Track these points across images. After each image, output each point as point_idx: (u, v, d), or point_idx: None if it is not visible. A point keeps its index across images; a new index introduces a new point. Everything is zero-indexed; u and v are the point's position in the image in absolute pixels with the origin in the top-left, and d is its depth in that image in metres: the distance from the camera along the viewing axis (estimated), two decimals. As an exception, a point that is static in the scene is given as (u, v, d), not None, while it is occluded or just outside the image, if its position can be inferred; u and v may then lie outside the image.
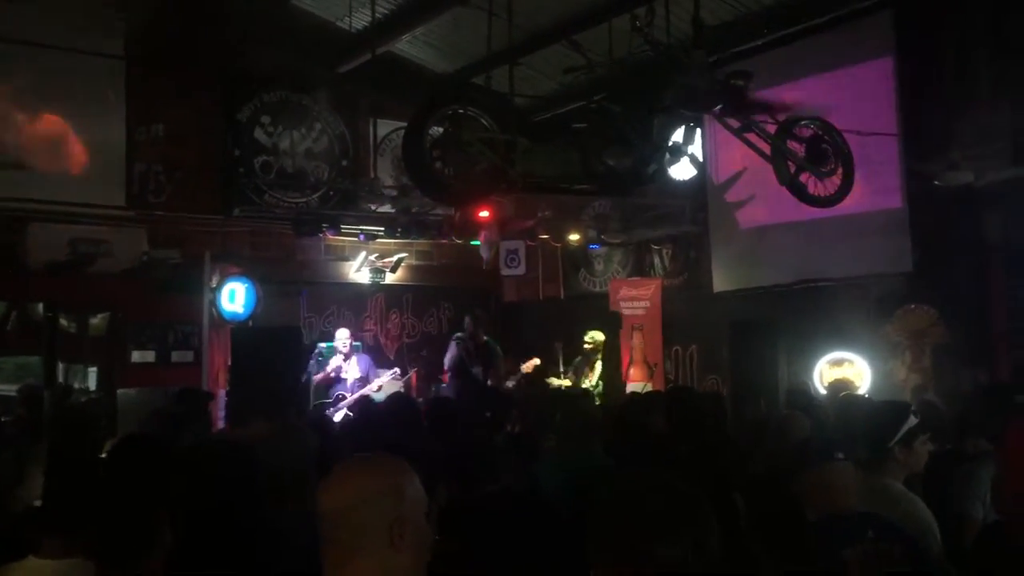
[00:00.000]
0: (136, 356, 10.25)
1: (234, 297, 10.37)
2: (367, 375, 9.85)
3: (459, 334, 10.45)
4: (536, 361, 10.61)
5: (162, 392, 8.87)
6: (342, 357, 9.91)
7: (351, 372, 9.72)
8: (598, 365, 10.32)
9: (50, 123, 9.85)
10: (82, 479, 2.76)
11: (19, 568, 2.63)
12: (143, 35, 9.99)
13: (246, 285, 10.42)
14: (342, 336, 10.13)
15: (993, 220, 8.00)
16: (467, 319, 10.68)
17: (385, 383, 10.02)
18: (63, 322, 10.12)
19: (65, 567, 2.58)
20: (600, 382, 10.20)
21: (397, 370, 10.52)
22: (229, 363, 10.21)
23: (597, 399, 8.71)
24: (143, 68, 10.08)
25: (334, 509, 1.93)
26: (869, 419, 3.86)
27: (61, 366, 9.96)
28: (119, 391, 9.67)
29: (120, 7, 9.89)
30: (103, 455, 3.84)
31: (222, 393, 9.36)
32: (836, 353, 8.72)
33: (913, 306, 8.44)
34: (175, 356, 10.39)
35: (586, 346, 10.50)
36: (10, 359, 9.94)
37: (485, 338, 10.58)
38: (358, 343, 10.76)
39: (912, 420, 3.62)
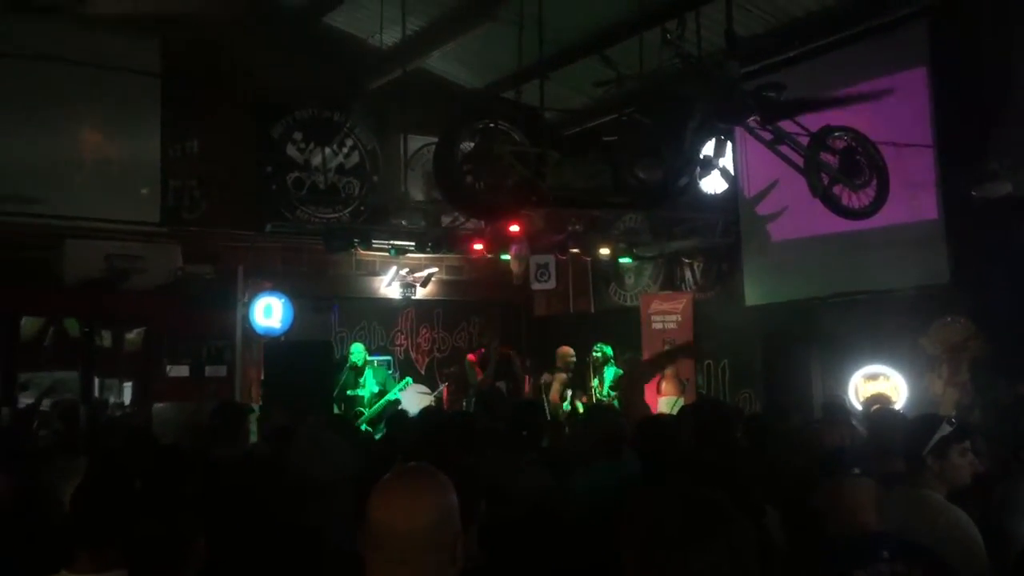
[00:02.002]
0: (171, 370, 10.35)
1: (270, 312, 10.44)
2: (384, 388, 9.83)
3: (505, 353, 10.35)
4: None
5: (196, 406, 8.96)
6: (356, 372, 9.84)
7: (367, 386, 9.71)
8: (607, 375, 10.46)
9: (86, 140, 10.01)
10: (116, 492, 2.77)
11: None
12: (177, 53, 10.12)
13: (282, 300, 10.48)
14: (357, 351, 10.10)
15: (1030, 231, 7.87)
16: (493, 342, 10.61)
17: (400, 395, 10.02)
18: (99, 337, 10.24)
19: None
20: (610, 392, 10.24)
21: (409, 380, 10.50)
22: (262, 377, 10.29)
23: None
24: (177, 86, 10.20)
25: (411, 529, 1.90)
26: (903, 430, 3.79)
27: (97, 381, 10.08)
28: (154, 405, 9.77)
29: (155, 26, 10.03)
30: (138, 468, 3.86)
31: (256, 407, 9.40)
32: (871, 367, 8.60)
33: (950, 319, 8.30)
34: (208, 370, 10.47)
35: (595, 355, 10.59)
36: (48, 374, 10.06)
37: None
38: (372, 357, 10.73)
39: (945, 429, 3.53)
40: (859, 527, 2.95)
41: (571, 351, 10.74)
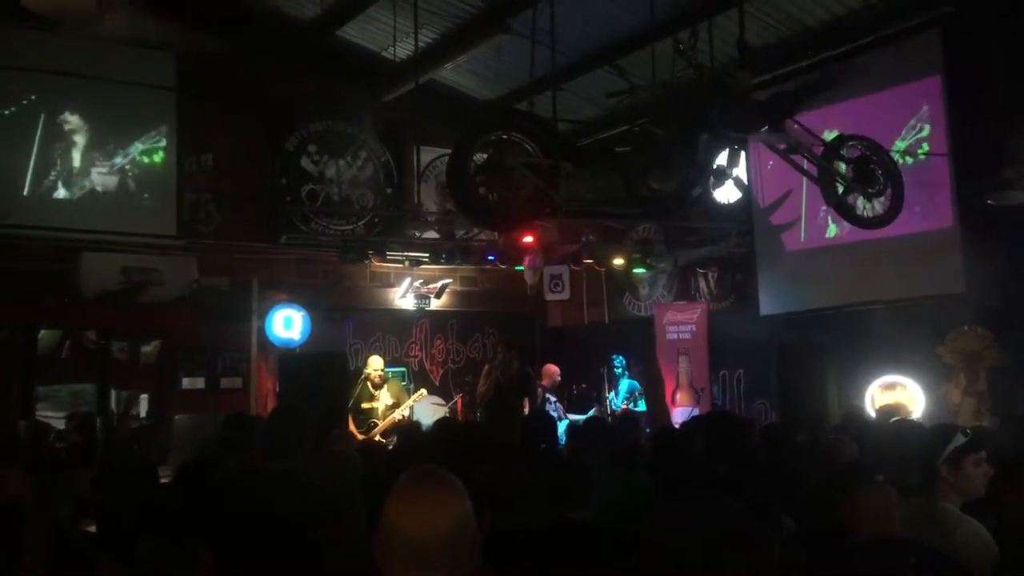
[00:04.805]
0: (186, 382, 10.40)
1: (290, 324, 10.44)
2: (397, 401, 9.76)
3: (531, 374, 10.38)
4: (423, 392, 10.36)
5: (211, 418, 8.98)
6: (373, 385, 9.72)
7: (382, 399, 9.65)
8: (621, 387, 10.72)
9: (102, 154, 10.08)
10: (136, 505, 2.77)
11: None
12: (192, 67, 10.18)
13: (302, 312, 10.49)
14: (375, 364, 9.98)
15: (1048, 238, 7.82)
16: (507, 350, 10.54)
17: (414, 406, 9.95)
18: (115, 350, 10.29)
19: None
20: (624, 402, 10.37)
21: (423, 391, 10.35)
22: (277, 388, 10.30)
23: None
24: (192, 99, 10.26)
25: (435, 536, 1.90)
26: (917, 441, 3.77)
27: (113, 393, 10.13)
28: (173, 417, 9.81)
29: (169, 39, 10.10)
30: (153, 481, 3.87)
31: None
32: (888, 377, 8.54)
33: (967, 328, 8.24)
34: (224, 382, 10.50)
35: (615, 369, 10.81)
36: (64, 387, 10.12)
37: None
38: (387, 369, 10.64)
39: (959, 439, 3.51)
40: (883, 534, 2.93)
41: (557, 369, 10.90)
